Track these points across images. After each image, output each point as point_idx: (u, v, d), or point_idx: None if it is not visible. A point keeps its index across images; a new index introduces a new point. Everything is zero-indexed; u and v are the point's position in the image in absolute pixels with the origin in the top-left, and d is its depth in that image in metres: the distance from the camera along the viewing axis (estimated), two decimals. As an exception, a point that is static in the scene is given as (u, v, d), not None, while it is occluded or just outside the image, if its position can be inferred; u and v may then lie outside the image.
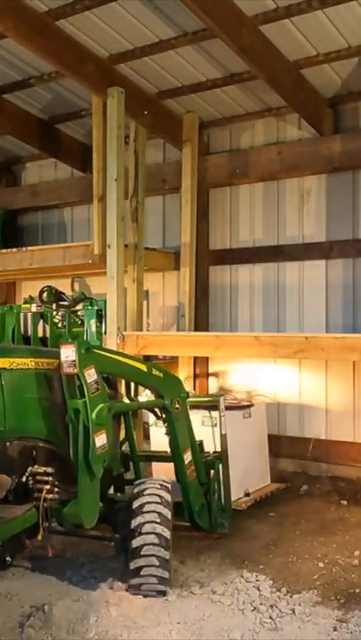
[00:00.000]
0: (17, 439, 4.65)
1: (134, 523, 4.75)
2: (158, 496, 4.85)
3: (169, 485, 5.00)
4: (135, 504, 4.83)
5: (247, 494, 6.90)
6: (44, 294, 9.53)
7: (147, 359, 8.06)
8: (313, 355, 6.60)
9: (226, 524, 5.81)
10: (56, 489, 4.68)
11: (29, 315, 9.57)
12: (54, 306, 9.24)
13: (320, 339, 6.51)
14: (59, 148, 9.88)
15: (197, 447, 5.58)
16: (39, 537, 4.63)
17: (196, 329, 8.59)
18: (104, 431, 4.62)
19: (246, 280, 8.76)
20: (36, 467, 4.72)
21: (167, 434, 5.46)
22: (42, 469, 4.70)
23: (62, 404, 4.68)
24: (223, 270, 8.92)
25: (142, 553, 4.66)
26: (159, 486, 4.92)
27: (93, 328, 8.45)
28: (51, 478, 4.67)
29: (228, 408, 6.83)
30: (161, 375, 5.37)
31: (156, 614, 4.52)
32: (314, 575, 5.25)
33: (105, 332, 7.75)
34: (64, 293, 9.58)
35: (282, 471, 8.14)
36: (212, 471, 5.76)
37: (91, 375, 4.58)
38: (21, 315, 9.64)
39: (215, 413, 6.61)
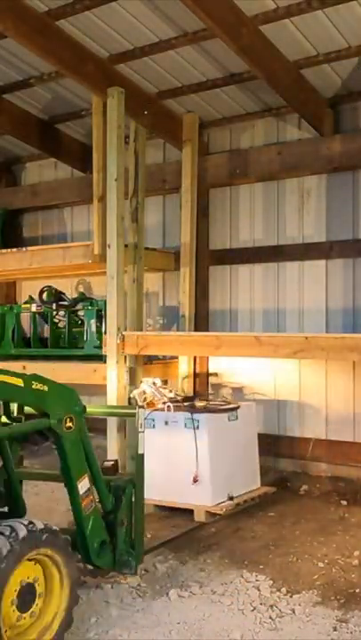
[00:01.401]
0: None
1: None
2: (10, 527, 3.78)
3: (22, 530, 3.79)
4: None
5: (231, 498, 6.75)
6: (44, 294, 9.53)
7: (147, 359, 8.11)
8: (313, 355, 6.60)
9: (133, 563, 4.72)
10: None
11: (29, 315, 9.60)
12: (54, 306, 9.25)
13: (320, 339, 6.51)
14: (59, 148, 9.88)
15: (99, 471, 4.58)
16: None
17: (196, 329, 8.59)
18: None
19: (246, 280, 8.76)
20: None
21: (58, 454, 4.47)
22: None
23: None
24: (223, 270, 8.91)
25: None
26: (7, 531, 3.75)
27: (93, 328, 8.46)
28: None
29: (211, 411, 6.85)
30: (45, 388, 4.26)
31: (156, 614, 4.53)
32: (314, 575, 5.25)
33: (105, 332, 7.75)
34: (64, 293, 9.58)
35: (282, 471, 8.14)
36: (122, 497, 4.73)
37: None
38: (21, 315, 9.66)
39: (199, 416, 6.62)
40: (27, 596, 3.83)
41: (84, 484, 4.39)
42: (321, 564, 5.46)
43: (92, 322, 8.49)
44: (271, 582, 5.07)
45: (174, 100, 8.45)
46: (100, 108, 8.19)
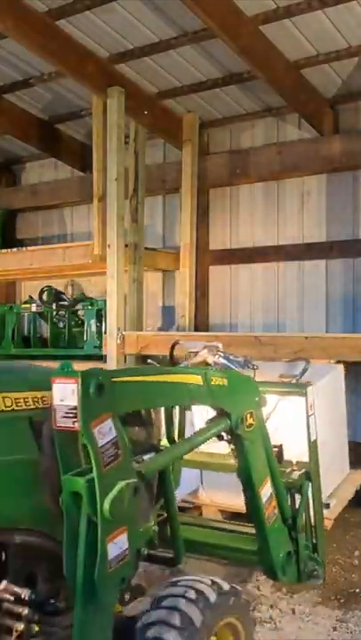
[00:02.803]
0: None
1: (141, 622, 2.90)
2: (179, 614, 2.86)
3: (219, 592, 3.06)
4: (139, 623, 2.90)
5: (326, 506, 5.11)
6: (44, 294, 9.55)
7: (147, 359, 8.11)
8: (313, 354, 6.59)
9: (320, 572, 4.00)
10: (36, 627, 2.72)
11: (28, 314, 9.61)
12: (54, 306, 9.26)
13: (320, 339, 6.51)
14: (59, 148, 9.89)
15: (277, 470, 3.78)
16: None
17: (196, 329, 8.59)
18: (125, 530, 2.69)
19: (246, 280, 8.76)
20: (3, 584, 2.75)
21: (235, 456, 3.65)
22: (13, 592, 2.73)
23: (50, 475, 2.82)
24: (223, 270, 8.91)
25: None
26: (191, 597, 2.94)
27: (93, 328, 8.47)
28: (26, 611, 2.70)
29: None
30: (225, 382, 3.44)
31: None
32: (314, 575, 5.24)
33: (105, 332, 7.76)
34: (64, 293, 9.59)
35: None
36: (297, 496, 3.95)
37: (105, 432, 2.65)
38: (21, 315, 9.67)
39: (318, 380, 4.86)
40: None
41: (266, 490, 3.63)
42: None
43: (92, 322, 8.51)
44: (271, 582, 5.06)
45: (174, 99, 8.45)
46: (100, 107, 8.20)
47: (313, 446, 4.06)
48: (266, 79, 7.27)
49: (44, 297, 9.53)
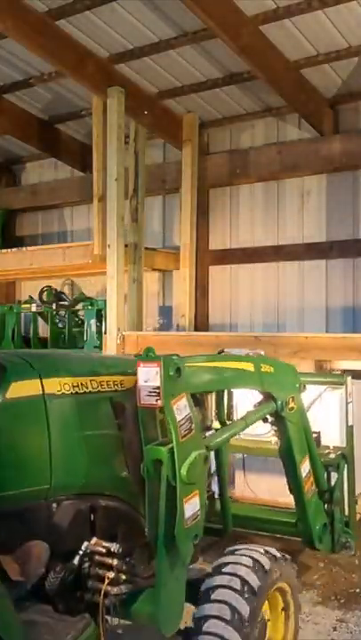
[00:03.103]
0: (67, 499, 3.09)
1: (205, 585, 3.32)
2: (240, 579, 3.26)
3: (272, 559, 3.44)
4: (204, 586, 3.31)
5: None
6: (44, 294, 9.55)
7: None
8: (313, 354, 6.59)
9: (352, 544, 4.41)
10: (123, 576, 3.13)
11: (28, 314, 9.61)
12: (54, 306, 9.26)
13: (320, 338, 6.51)
14: (59, 148, 9.89)
15: (315, 449, 4.27)
16: None
17: (196, 329, 8.59)
18: (197, 492, 3.14)
19: (246, 280, 8.76)
20: (94, 541, 3.15)
21: (278, 437, 4.12)
22: (103, 546, 3.14)
23: (137, 442, 3.24)
24: (223, 270, 8.91)
25: (205, 629, 3.16)
26: (249, 564, 3.33)
27: (93, 328, 8.47)
28: (116, 561, 3.12)
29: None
30: (272, 370, 3.91)
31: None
32: (314, 575, 5.24)
33: (105, 332, 7.76)
34: (64, 293, 9.59)
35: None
36: (333, 475, 4.43)
37: (182, 409, 3.11)
38: (21, 315, 9.67)
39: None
40: (259, 637, 3.35)
41: (306, 466, 4.10)
42: (321, 564, 5.46)
43: (92, 322, 8.50)
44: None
45: (174, 99, 8.45)
46: (100, 107, 8.20)
47: (349, 431, 4.51)
48: (266, 79, 7.27)
49: (44, 297, 9.53)
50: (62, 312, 9.32)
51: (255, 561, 3.35)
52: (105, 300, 7.84)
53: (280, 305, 8.48)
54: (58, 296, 9.52)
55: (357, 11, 6.41)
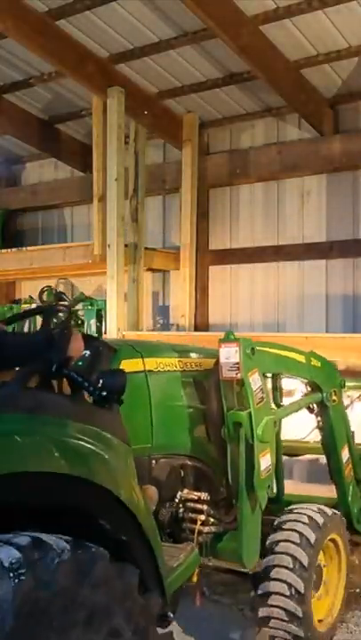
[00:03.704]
0: (163, 457, 3.76)
1: (270, 540, 3.91)
2: (307, 516, 3.96)
3: (324, 516, 4.04)
4: (268, 541, 3.92)
5: None
6: (44, 294, 9.54)
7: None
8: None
9: None
10: (211, 519, 3.81)
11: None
12: (54, 306, 9.23)
13: (320, 338, 6.51)
14: (59, 148, 9.89)
15: (353, 442, 4.76)
16: (194, 579, 3.62)
17: (196, 329, 8.59)
18: (269, 449, 3.83)
19: (246, 280, 8.76)
20: (186, 491, 3.84)
21: (320, 428, 4.64)
22: (195, 495, 3.82)
23: (214, 415, 3.91)
24: (223, 270, 8.91)
25: (272, 576, 3.80)
26: (305, 521, 3.94)
27: (93, 328, 8.47)
28: (205, 507, 3.79)
29: None
30: (319, 365, 4.50)
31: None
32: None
33: (105, 332, 7.76)
34: (64, 293, 9.59)
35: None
36: None
37: (255, 381, 3.79)
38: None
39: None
40: (317, 579, 3.99)
41: (345, 453, 4.59)
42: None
43: (92, 322, 8.50)
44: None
45: (174, 99, 8.45)
46: (100, 107, 8.20)
47: None
48: (266, 79, 7.27)
49: (44, 297, 9.53)
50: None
51: (310, 518, 3.94)
52: (104, 300, 7.83)
53: (280, 305, 8.48)
54: (58, 296, 9.52)
55: (357, 11, 6.42)
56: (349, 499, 4.58)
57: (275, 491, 4.24)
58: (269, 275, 8.57)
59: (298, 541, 3.82)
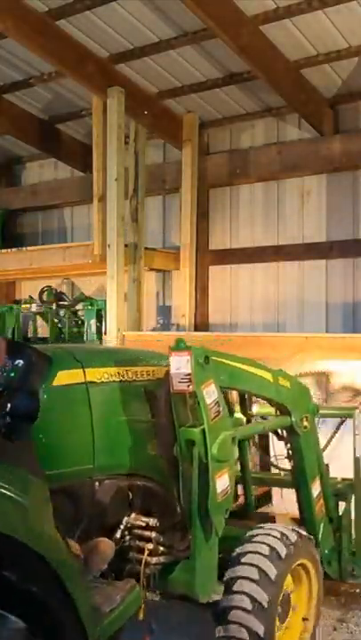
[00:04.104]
0: (107, 478, 3.36)
1: (226, 576, 3.45)
2: (268, 547, 3.48)
3: (293, 536, 3.62)
4: (235, 553, 3.50)
5: None
6: (44, 294, 9.55)
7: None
8: (313, 354, 6.59)
9: (359, 572, 4.43)
10: (161, 548, 3.43)
11: (28, 314, 9.62)
12: (54, 306, 9.26)
13: (320, 338, 6.50)
14: (59, 148, 9.89)
15: (326, 474, 4.32)
16: (140, 616, 3.26)
17: (196, 329, 8.59)
18: (227, 469, 3.41)
19: (246, 280, 8.76)
20: (133, 516, 3.46)
21: (289, 458, 4.19)
22: (142, 521, 3.45)
23: (165, 430, 3.52)
24: (223, 270, 8.91)
25: (229, 619, 3.35)
26: (278, 535, 3.55)
27: (93, 328, 8.47)
28: (154, 534, 3.42)
29: None
30: (288, 386, 4.04)
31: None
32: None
33: (105, 332, 7.76)
34: (64, 293, 9.59)
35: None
36: (341, 504, 4.45)
37: (210, 393, 3.38)
38: (21, 315, 9.67)
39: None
40: (284, 607, 3.52)
41: (316, 487, 4.12)
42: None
43: (92, 322, 8.51)
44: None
45: (174, 99, 8.45)
46: (100, 107, 8.20)
47: (357, 462, 4.50)
48: (266, 79, 7.27)
49: (44, 297, 9.53)
50: (62, 312, 9.32)
51: (281, 533, 3.56)
52: (104, 300, 7.84)
53: (280, 305, 8.48)
54: (58, 296, 9.52)
55: (357, 11, 6.42)
56: (320, 538, 4.08)
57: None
58: (269, 275, 8.57)
59: (267, 554, 3.43)
